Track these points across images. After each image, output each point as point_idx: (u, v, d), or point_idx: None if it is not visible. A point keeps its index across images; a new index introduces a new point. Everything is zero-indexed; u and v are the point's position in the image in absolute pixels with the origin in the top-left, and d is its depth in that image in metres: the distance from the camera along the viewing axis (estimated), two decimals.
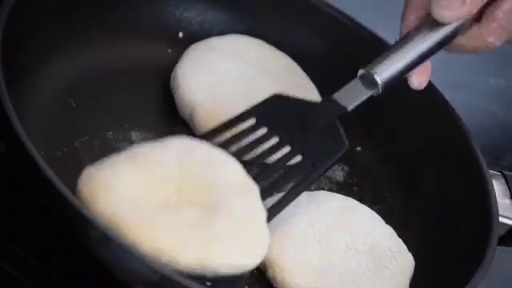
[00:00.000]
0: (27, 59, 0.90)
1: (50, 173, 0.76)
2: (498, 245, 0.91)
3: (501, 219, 0.94)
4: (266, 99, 0.94)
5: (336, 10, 1.11)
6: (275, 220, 0.87)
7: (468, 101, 1.33)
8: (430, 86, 1.06)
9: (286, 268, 0.87)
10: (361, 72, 0.91)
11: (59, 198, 0.75)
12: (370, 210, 0.96)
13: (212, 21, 1.10)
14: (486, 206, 0.94)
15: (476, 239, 0.92)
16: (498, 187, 0.97)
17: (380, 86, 0.90)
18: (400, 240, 0.94)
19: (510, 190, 0.98)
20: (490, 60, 1.47)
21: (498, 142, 1.31)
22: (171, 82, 1.02)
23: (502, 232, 0.95)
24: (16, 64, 0.86)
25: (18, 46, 0.87)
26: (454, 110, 1.04)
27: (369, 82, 0.90)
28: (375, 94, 0.91)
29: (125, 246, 0.74)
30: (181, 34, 1.09)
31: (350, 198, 0.97)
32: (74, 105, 0.94)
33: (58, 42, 0.94)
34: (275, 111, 0.94)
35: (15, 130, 0.77)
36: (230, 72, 1.03)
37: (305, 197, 0.95)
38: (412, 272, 0.93)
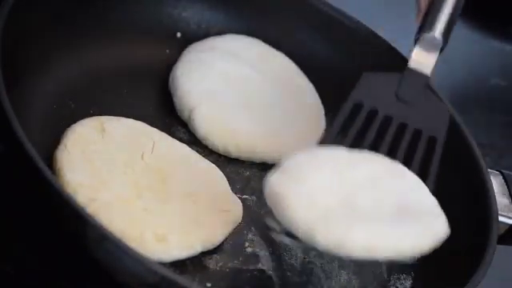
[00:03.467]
0: (26, 60, 0.90)
1: (49, 174, 0.76)
2: (498, 244, 0.91)
3: (500, 218, 0.94)
4: (360, 81, 0.93)
5: (336, 9, 1.11)
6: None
7: (468, 101, 1.33)
8: (429, 86, 1.06)
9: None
10: (417, 37, 0.94)
11: (59, 199, 0.75)
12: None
13: (210, 21, 1.10)
14: (485, 205, 0.94)
15: (476, 238, 0.92)
16: (497, 186, 0.97)
17: (442, 41, 0.93)
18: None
19: (509, 190, 0.98)
20: (490, 60, 1.47)
21: (498, 141, 1.31)
22: (169, 82, 1.01)
23: (501, 231, 0.95)
24: (15, 65, 0.86)
25: (17, 46, 0.87)
26: (453, 110, 1.04)
27: (429, 43, 0.93)
28: (442, 49, 0.94)
29: (124, 248, 0.74)
30: (179, 35, 1.09)
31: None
32: (72, 106, 0.94)
33: (56, 42, 0.94)
34: (371, 89, 0.94)
35: (15, 131, 0.77)
36: (229, 72, 1.03)
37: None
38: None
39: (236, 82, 1.02)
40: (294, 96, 1.04)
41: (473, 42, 1.48)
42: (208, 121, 0.97)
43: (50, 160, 0.85)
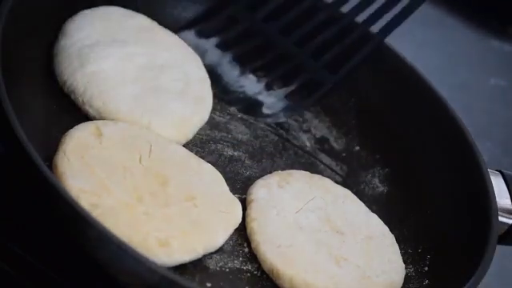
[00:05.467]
0: (26, 60, 0.90)
1: (49, 174, 0.76)
2: (498, 244, 0.91)
3: (500, 218, 0.94)
4: None
5: (336, 10, 1.11)
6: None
7: (468, 101, 1.33)
8: (429, 86, 1.06)
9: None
10: None
11: (59, 200, 0.75)
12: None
13: None
14: (485, 205, 0.94)
15: (476, 238, 0.92)
16: (497, 186, 0.97)
17: None
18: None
19: (509, 190, 0.98)
20: (490, 60, 1.47)
21: (498, 141, 1.31)
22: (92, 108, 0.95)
23: (501, 231, 0.95)
24: (15, 65, 0.85)
25: (17, 46, 0.87)
26: (453, 109, 1.04)
27: None
28: None
29: (124, 248, 0.74)
30: None
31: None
32: (72, 106, 0.94)
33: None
34: None
35: (15, 131, 0.77)
36: (119, 65, 0.97)
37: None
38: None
39: (135, 67, 0.98)
40: (181, 58, 1.03)
41: (473, 42, 1.48)
42: (168, 128, 0.95)
43: (50, 160, 0.85)
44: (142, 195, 0.85)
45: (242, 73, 1.05)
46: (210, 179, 0.92)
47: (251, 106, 1.05)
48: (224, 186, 0.92)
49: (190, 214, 0.86)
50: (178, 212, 0.86)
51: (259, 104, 1.05)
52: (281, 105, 1.05)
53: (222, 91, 1.04)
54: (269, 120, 1.04)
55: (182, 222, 0.85)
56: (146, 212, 0.84)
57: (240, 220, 0.90)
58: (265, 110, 1.05)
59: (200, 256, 0.85)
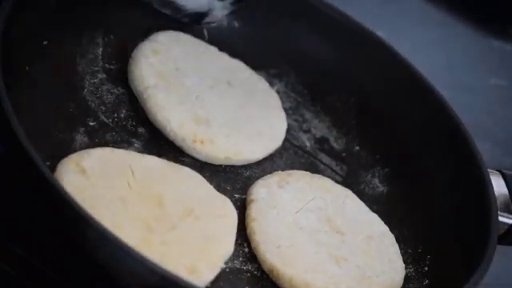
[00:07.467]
0: (26, 60, 0.90)
1: (49, 174, 0.76)
2: (498, 244, 0.91)
3: (500, 218, 0.94)
4: None
5: (335, 9, 1.11)
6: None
7: (468, 101, 1.33)
8: (429, 86, 1.06)
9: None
10: None
11: (59, 200, 0.75)
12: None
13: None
14: (485, 204, 0.94)
15: (475, 238, 0.92)
16: (497, 187, 0.97)
17: None
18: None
19: (509, 190, 0.98)
20: (490, 60, 1.47)
21: (498, 141, 1.31)
22: (146, 110, 0.97)
23: (501, 231, 0.95)
24: (15, 65, 0.86)
25: (17, 46, 0.87)
26: (453, 109, 1.04)
27: None
28: None
29: (124, 248, 0.74)
30: None
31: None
32: (72, 106, 0.94)
33: (56, 43, 0.94)
34: None
35: (14, 131, 0.77)
36: (190, 85, 1.01)
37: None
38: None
39: (195, 92, 1.01)
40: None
41: (473, 42, 1.48)
42: (221, 147, 0.97)
43: (50, 160, 0.85)
44: (149, 223, 0.84)
45: None
46: (195, 183, 0.91)
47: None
48: (208, 186, 0.92)
49: (197, 228, 0.86)
50: (187, 231, 0.85)
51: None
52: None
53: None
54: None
55: (195, 241, 0.85)
56: (162, 241, 0.83)
57: (236, 218, 0.90)
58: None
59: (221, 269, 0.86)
